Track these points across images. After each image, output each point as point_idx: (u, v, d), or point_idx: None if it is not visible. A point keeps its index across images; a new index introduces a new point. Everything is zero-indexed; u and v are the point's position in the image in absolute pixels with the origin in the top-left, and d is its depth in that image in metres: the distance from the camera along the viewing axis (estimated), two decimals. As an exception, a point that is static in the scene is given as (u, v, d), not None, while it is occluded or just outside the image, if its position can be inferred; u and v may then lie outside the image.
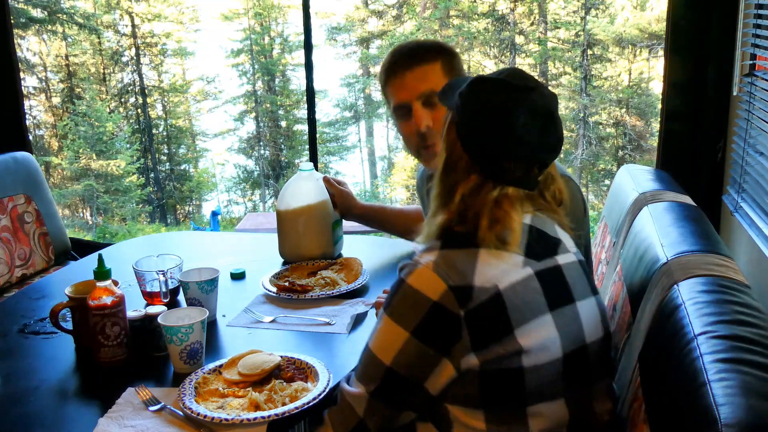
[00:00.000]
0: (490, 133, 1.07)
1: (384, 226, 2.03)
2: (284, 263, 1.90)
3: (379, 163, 17.39)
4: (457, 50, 1.60)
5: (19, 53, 14.57)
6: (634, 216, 1.63)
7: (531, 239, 1.09)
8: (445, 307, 1.01)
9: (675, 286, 1.15)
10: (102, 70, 16.76)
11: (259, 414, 1.15)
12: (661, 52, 11.91)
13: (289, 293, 1.66)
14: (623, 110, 15.07)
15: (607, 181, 15.04)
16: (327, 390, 1.21)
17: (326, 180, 1.92)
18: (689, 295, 1.10)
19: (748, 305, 1.06)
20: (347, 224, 2.02)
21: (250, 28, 17.30)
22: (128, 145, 16.23)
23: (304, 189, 1.89)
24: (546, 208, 1.16)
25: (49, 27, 15.96)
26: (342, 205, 1.93)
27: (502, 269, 1.04)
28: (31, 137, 3.40)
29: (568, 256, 1.14)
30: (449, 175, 1.11)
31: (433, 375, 1.04)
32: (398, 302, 1.06)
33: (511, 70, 1.12)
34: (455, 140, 1.09)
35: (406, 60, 1.48)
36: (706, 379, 0.88)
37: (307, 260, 1.87)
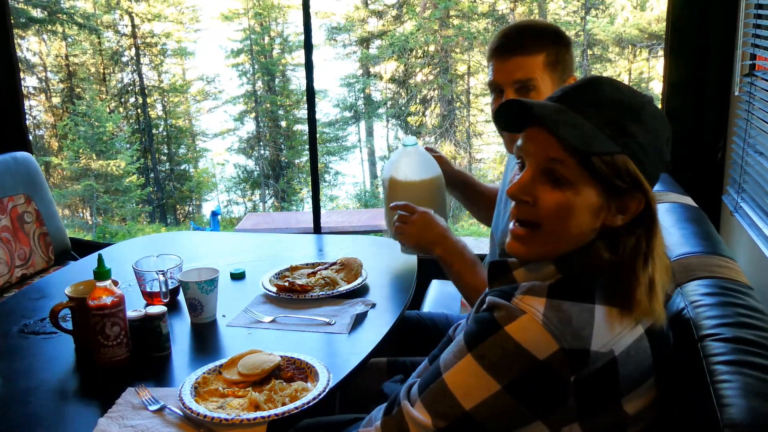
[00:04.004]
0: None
1: (470, 200, 1.94)
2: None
3: (379, 163, 17.37)
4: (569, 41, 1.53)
5: (19, 53, 14.57)
6: (634, 216, 1.62)
7: None
8: (553, 370, 0.86)
9: (678, 288, 1.15)
10: (102, 70, 16.76)
11: (259, 414, 1.15)
12: (661, 52, 11.92)
13: (289, 293, 1.66)
14: (623, 110, 15.06)
15: (607, 182, 15.01)
16: (327, 390, 1.21)
17: (428, 149, 1.86)
18: (692, 297, 1.10)
19: (750, 307, 1.06)
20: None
21: (250, 28, 17.30)
22: (128, 145, 16.23)
23: (419, 162, 1.80)
24: None
25: (49, 27, 15.96)
26: (444, 170, 1.85)
27: (618, 331, 0.90)
28: (31, 137, 3.41)
29: None
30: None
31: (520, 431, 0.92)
32: (492, 349, 0.89)
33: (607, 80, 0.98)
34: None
35: (512, 46, 1.47)
36: (709, 381, 0.88)
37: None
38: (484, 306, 0.95)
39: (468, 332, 0.94)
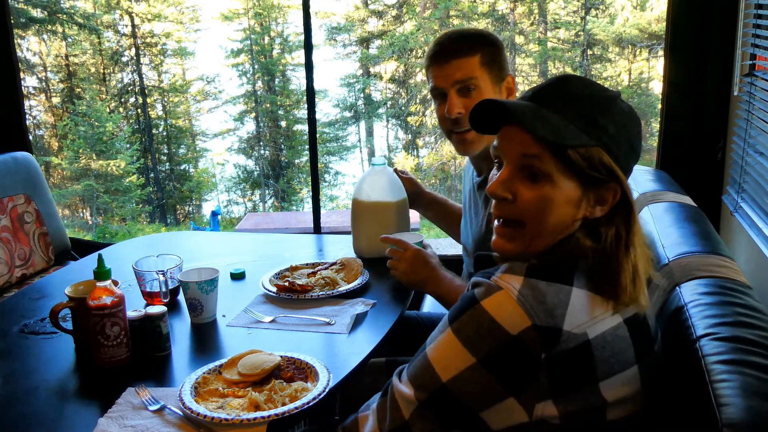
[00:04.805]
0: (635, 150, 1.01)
1: (441, 220, 2.00)
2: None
3: (379, 163, 17.37)
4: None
5: (19, 53, 14.58)
6: (634, 216, 1.63)
7: None
8: (524, 345, 0.89)
9: (677, 287, 1.16)
10: (102, 70, 16.78)
11: (259, 414, 1.15)
12: (661, 52, 11.92)
13: (289, 293, 1.66)
14: (623, 110, 15.08)
15: (607, 181, 15.03)
16: (327, 390, 1.21)
17: (396, 171, 1.90)
18: (691, 297, 1.11)
19: (749, 306, 1.06)
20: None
21: (250, 28, 17.32)
22: (128, 145, 16.25)
23: (384, 183, 1.85)
24: None
25: (49, 27, 15.98)
26: (411, 193, 1.91)
27: (593, 315, 0.92)
28: (31, 137, 3.40)
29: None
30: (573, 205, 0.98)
31: (495, 409, 0.93)
32: (468, 323, 0.93)
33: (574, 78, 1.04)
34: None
35: (447, 50, 1.55)
36: (708, 381, 0.88)
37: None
38: (469, 287, 0.99)
39: (451, 309, 0.98)
